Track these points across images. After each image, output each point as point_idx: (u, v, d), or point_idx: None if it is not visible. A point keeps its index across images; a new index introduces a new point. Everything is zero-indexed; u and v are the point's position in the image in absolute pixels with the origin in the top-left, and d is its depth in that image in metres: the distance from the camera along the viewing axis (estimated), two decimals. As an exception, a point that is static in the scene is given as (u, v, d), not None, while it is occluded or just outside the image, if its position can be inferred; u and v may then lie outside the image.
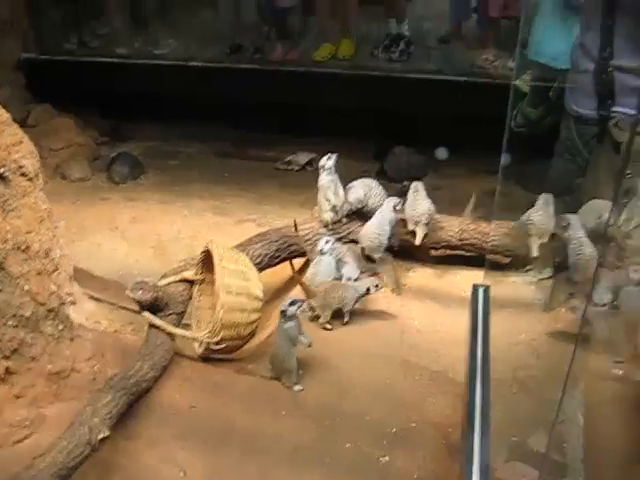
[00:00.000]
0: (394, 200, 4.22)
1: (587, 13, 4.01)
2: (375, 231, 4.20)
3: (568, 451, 2.18)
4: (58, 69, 6.37)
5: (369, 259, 4.21)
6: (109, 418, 2.79)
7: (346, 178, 4.37)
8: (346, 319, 3.84)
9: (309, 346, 3.42)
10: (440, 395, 3.41)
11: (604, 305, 3.36)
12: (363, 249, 4.22)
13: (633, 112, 3.68)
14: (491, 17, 6.00)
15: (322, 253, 4.03)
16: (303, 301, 3.46)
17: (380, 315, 3.98)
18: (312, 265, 4.11)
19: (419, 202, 4.26)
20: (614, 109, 3.88)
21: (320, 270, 4.04)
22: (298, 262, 4.34)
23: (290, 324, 3.36)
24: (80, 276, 3.66)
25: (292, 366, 3.37)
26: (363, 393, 3.39)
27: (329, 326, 3.82)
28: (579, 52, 4.02)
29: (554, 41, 4.62)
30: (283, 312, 3.33)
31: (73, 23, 6.91)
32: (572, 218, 3.86)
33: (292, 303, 3.35)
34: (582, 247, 3.76)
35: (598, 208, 3.81)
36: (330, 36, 6.34)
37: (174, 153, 6.60)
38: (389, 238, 4.19)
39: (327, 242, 4.05)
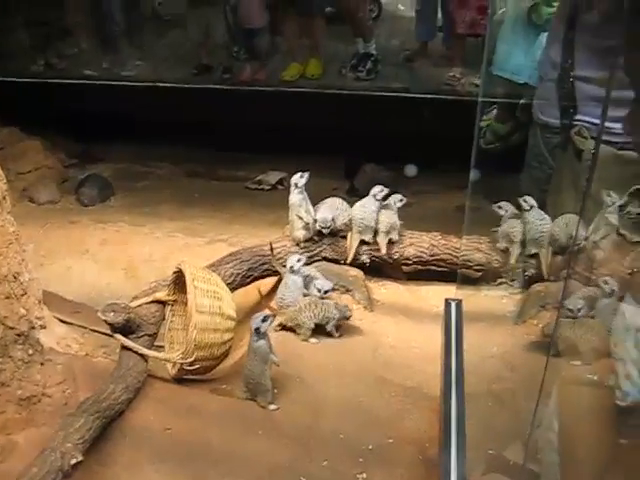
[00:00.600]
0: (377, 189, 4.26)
1: (552, 26, 4.12)
2: (358, 215, 4.26)
3: (544, 461, 2.19)
4: (25, 91, 6.31)
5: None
6: (82, 443, 2.74)
7: (316, 197, 4.37)
8: (337, 334, 3.85)
9: (277, 365, 3.41)
10: (415, 411, 3.42)
11: (579, 310, 3.41)
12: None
13: (594, 121, 3.77)
14: (457, 35, 6.08)
15: (293, 271, 4.01)
16: (274, 315, 3.45)
17: (353, 332, 3.98)
18: (282, 284, 4.09)
19: (381, 212, 4.27)
20: (577, 117, 3.97)
21: (289, 288, 4.02)
22: (270, 282, 4.34)
23: (261, 342, 3.35)
24: (50, 300, 3.62)
25: (266, 385, 3.35)
26: (338, 411, 3.38)
27: (314, 340, 3.81)
28: (545, 63, 4.13)
29: (515, 56, 4.74)
30: (257, 329, 3.32)
31: (39, 45, 6.86)
32: (530, 199, 4.01)
33: (264, 319, 3.35)
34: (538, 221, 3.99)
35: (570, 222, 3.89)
36: (298, 56, 6.39)
37: (144, 174, 6.57)
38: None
39: (299, 260, 4.04)
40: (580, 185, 3.75)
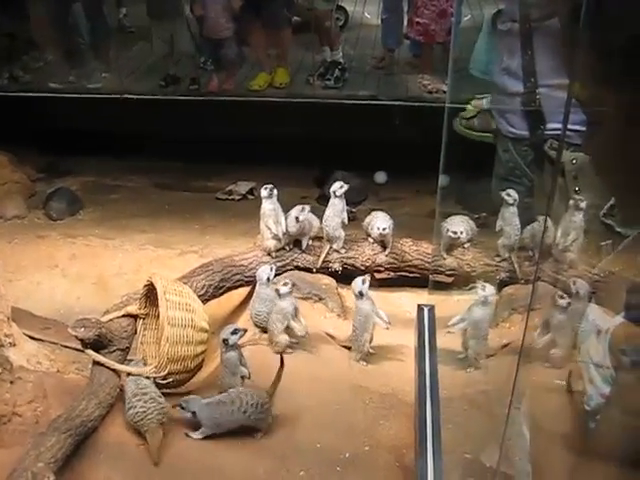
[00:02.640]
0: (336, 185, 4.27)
1: (509, 38, 4.13)
2: (326, 223, 4.28)
3: (517, 465, 2.20)
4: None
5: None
6: (54, 462, 2.70)
7: (287, 205, 4.37)
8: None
9: (248, 378, 3.39)
10: (391, 417, 3.42)
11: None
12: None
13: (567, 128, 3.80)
14: (424, 42, 6.13)
15: (264, 282, 3.99)
16: (245, 330, 3.43)
17: (327, 340, 3.97)
18: (254, 295, 4.07)
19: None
20: (547, 127, 3.99)
21: (262, 298, 3.99)
22: (242, 292, 4.33)
23: (230, 354, 3.34)
24: (19, 316, 3.57)
25: None
26: (314, 420, 3.37)
27: (290, 350, 3.77)
28: (505, 75, 4.13)
29: (487, 58, 4.75)
30: (225, 340, 3.31)
31: (4, 58, 6.78)
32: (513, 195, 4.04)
33: (234, 332, 3.33)
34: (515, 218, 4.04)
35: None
36: (266, 65, 6.39)
37: (114, 187, 6.51)
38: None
39: (271, 269, 4.03)
40: (567, 196, 3.77)
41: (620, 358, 2.26)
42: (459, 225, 4.17)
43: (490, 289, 3.59)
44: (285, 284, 3.78)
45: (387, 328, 3.74)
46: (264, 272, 3.97)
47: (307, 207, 4.24)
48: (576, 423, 2.52)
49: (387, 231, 4.25)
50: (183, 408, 3.15)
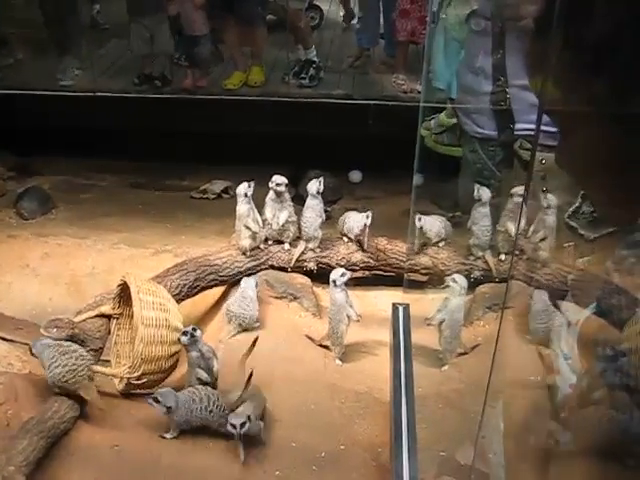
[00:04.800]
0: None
1: (482, 38, 4.15)
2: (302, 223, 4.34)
3: (492, 461, 2.22)
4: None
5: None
6: (25, 465, 2.67)
7: (261, 204, 4.36)
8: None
9: (207, 384, 3.38)
10: (367, 416, 3.43)
11: None
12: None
13: (533, 126, 3.82)
14: (399, 42, 6.14)
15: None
16: (195, 329, 3.40)
17: (302, 340, 3.97)
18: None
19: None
20: (517, 127, 4.01)
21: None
22: (217, 292, 4.32)
23: (191, 354, 3.36)
24: (-10, 317, 3.52)
25: None
26: (289, 419, 3.38)
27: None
28: (473, 75, 4.14)
29: (444, 69, 4.76)
30: (179, 339, 3.35)
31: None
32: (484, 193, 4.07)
33: (184, 333, 3.35)
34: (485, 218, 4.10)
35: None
36: (240, 64, 6.36)
37: (86, 186, 6.43)
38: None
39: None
40: (537, 196, 3.81)
41: (594, 350, 2.29)
42: (433, 224, 4.21)
43: (462, 279, 3.63)
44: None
45: (358, 320, 3.78)
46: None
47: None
48: (548, 415, 2.54)
49: (361, 236, 4.29)
50: (158, 402, 3.12)
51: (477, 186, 4.07)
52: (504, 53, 3.89)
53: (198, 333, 3.38)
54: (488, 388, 1.98)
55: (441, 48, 4.63)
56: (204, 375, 3.36)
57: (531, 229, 3.91)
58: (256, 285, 4.08)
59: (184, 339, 3.34)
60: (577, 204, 3.93)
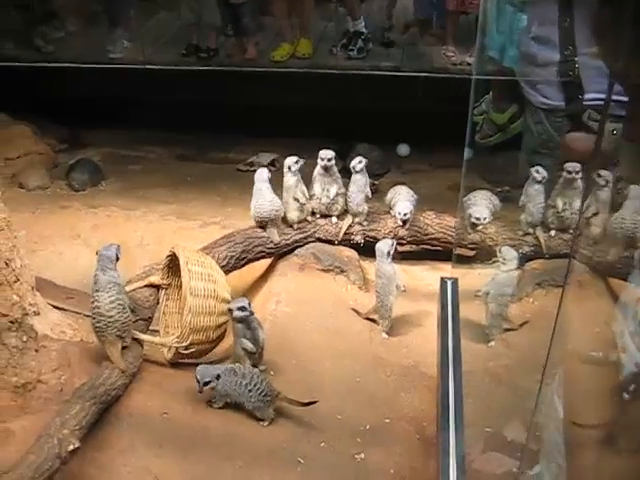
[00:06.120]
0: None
1: (543, 7, 4.02)
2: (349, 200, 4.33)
3: (546, 440, 2.18)
4: (11, 76, 6.23)
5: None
6: (79, 429, 2.73)
7: (308, 177, 4.35)
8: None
9: (253, 353, 3.41)
10: (412, 390, 3.42)
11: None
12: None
13: (603, 96, 3.69)
14: (450, 12, 6.02)
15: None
16: (249, 304, 3.42)
17: (348, 313, 3.97)
18: None
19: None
20: (586, 97, 3.88)
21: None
22: (263, 264, 4.33)
23: (237, 325, 3.38)
24: (43, 286, 3.59)
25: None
26: (335, 391, 3.39)
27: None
28: (538, 45, 4.02)
29: (501, 37, 4.63)
30: (230, 310, 3.36)
31: (25, 29, 6.75)
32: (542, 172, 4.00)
33: (240, 309, 3.35)
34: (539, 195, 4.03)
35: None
36: (288, 36, 6.32)
37: (135, 158, 6.51)
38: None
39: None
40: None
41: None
42: (483, 210, 4.11)
43: (511, 252, 3.58)
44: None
45: (404, 291, 3.78)
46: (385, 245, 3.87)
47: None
48: (610, 394, 2.48)
49: (408, 216, 4.25)
50: (198, 381, 3.15)
51: (534, 168, 3.99)
52: (572, 20, 3.76)
53: (251, 307, 3.40)
54: (546, 365, 1.94)
55: (495, 15, 4.50)
56: (249, 345, 3.39)
57: (585, 205, 3.82)
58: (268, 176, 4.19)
59: (240, 314, 3.34)
60: None
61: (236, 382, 3.16)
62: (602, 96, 3.27)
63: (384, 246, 3.75)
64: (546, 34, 3.93)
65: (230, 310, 3.38)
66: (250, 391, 3.13)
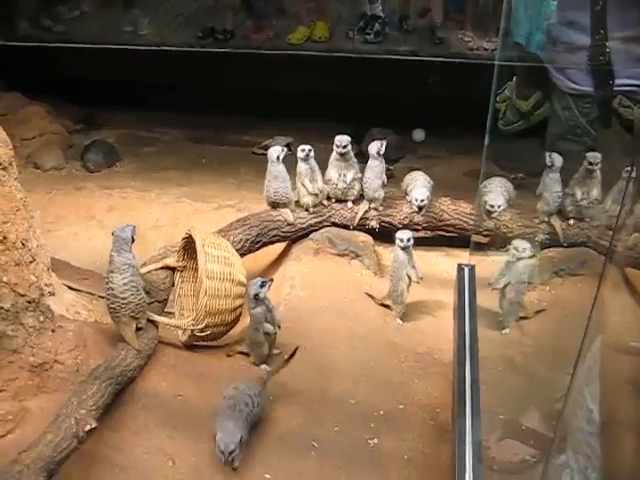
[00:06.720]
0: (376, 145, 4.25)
1: None
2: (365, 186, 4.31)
3: (573, 430, 2.15)
4: (27, 56, 6.22)
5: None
6: (95, 409, 2.76)
7: (324, 162, 4.33)
8: None
9: (275, 334, 3.42)
10: (426, 376, 3.42)
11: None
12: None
13: (636, 82, 3.63)
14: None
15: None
16: (271, 280, 3.42)
17: (363, 298, 3.96)
18: None
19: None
20: (617, 83, 3.81)
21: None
22: (278, 248, 4.33)
23: (258, 309, 3.36)
24: (58, 266, 3.59)
25: (261, 350, 3.41)
26: (348, 376, 3.39)
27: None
28: (567, 29, 3.95)
29: (529, 22, 4.56)
30: (256, 295, 3.32)
31: (41, 8, 6.74)
32: (556, 159, 3.95)
33: (262, 285, 3.33)
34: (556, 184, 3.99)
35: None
36: (305, 19, 6.27)
37: (150, 139, 6.51)
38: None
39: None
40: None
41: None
42: (498, 197, 4.08)
43: (524, 243, 3.55)
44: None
45: (418, 282, 3.76)
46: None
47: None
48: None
49: (425, 202, 4.22)
50: (222, 452, 2.81)
51: (548, 153, 3.94)
52: (604, 4, 3.69)
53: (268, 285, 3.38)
54: (580, 354, 1.90)
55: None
56: (270, 328, 3.39)
57: (609, 196, 3.78)
58: (281, 155, 4.18)
59: (263, 290, 3.32)
60: None
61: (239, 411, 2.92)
62: (634, 82, 3.21)
63: (401, 234, 3.72)
64: (577, 18, 3.85)
65: (256, 296, 3.32)
66: (247, 405, 2.93)
